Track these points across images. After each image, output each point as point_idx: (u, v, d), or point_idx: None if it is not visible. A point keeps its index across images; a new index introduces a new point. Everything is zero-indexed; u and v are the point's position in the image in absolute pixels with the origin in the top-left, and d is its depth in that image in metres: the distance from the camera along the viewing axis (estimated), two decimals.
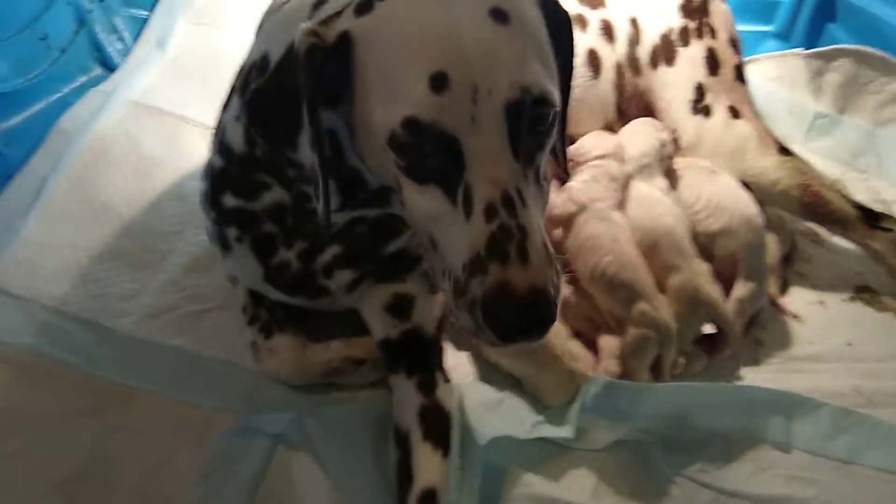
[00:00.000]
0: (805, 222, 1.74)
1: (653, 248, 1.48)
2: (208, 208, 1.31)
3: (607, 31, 1.68)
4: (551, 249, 0.93)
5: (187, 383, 1.37)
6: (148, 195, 1.68)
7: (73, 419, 1.30)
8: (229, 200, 1.25)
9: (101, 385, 1.35)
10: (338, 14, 0.97)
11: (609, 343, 1.41)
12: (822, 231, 1.74)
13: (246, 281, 1.39)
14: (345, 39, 0.95)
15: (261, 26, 1.28)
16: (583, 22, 1.66)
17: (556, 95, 0.95)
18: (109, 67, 2.00)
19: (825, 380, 1.50)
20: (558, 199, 1.54)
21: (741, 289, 1.51)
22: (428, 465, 1.21)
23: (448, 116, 0.89)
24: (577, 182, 1.56)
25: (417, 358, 1.30)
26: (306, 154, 0.99)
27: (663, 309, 1.41)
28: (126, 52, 2.03)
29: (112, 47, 2.02)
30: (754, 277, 1.52)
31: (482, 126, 0.89)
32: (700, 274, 1.47)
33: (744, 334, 1.51)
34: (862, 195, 1.78)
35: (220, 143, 1.25)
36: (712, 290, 1.46)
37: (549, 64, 0.97)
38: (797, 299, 1.65)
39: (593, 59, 1.65)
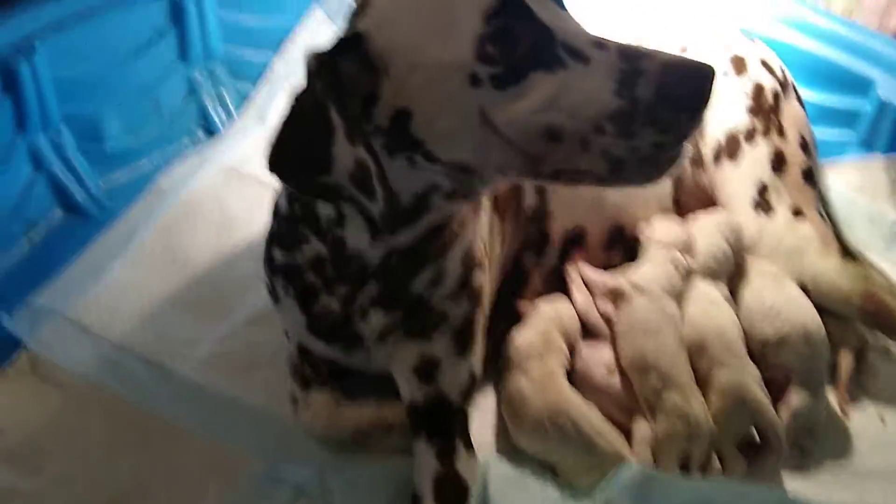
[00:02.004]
0: (877, 334, 1.67)
1: (701, 346, 1.46)
2: (264, 264, 1.40)
3: None
4: None
5: (229, 427, 1.44)
6: (225, 252, 1.80)
7: (119, 449, 1.40)
8: (278, 256, 1.33)
9: (150, 420, 1.44)
10: None
11: (642, 429, 1.39)
12: (894, 347, 1.67)
13: (291, 331, 1.45)
14: (356, 37, 1.00)
15: None
16: None
17: None
18: (212, 133, 2.16)
19: (875, 496, 1.42)
20: (617, 274, 1.57)
21: (794, 399, 1.46)
22: None
23: None
24: (640, 263, 1.59)
25: (439, 425, 1.32)
26: (344, 160, 0.98)
27: (696, 404, 1.39)
28: (229, 121, 2.19)
29: (217, 115, 2.18)
30: (809, 389, 1.47)
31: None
32: (749, 374, 1.45)
33: (791, 445, 1.46)
34: None
35: (274, 207, 1.35)
36: (759, 392, 1.43)
37: None
38: (856, 413, 1.57)
39: None
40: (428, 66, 0.97)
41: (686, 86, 0.92)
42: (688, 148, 0.97)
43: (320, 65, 0.98)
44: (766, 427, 1.41)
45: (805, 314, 1.53)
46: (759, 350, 1.51)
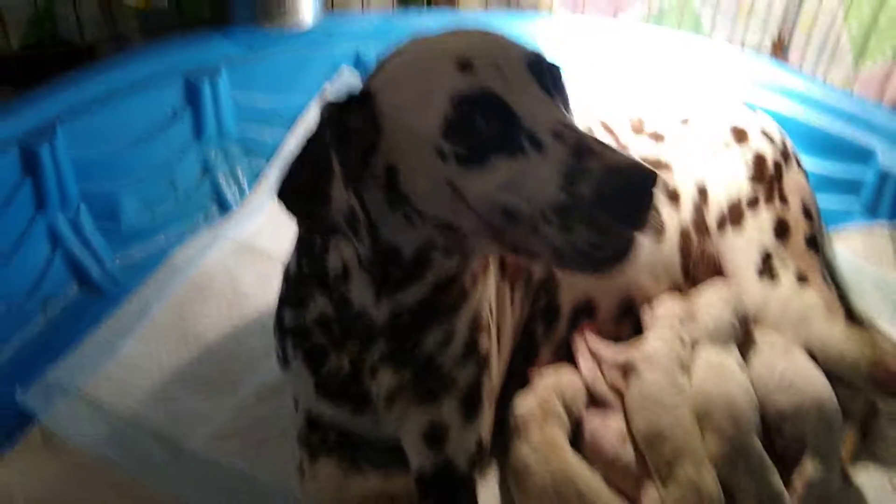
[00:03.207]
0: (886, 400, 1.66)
1: (705, 414, 1.46)
2: (274, 330, 1.43)
3: (672, 195, 1.74)
4: None
5: (239, 502, 1.44)
6: (236, 327, 1.82)
7: None
8: (287, 317, 1.37)
9: (160, 497, 1.44)
10: None
11: (652, 498, 1.38)
12: None
13: (300, 395, 1.48)
14: (365, 94, 1.10)
15: None
16: None
17: None
18: (226, 209, 2.21)
19: None
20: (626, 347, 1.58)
21: (808, 469, 1.45)
22: None
23: (485, 82, 1.03)
24: (648, 338, 1.59)
25: (447, 495, 1.31)
26: (340, 201, 1.07)
27: (708, 476, 1.38)
28: (241, 196, 2.24)
29: (230, 192, 2.24)
30: (823, 459, 1.46)
31: (515, 84, 1.04)
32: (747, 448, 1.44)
33: None
34: None
35: (284, 272, 1.39)
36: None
37: None
38: (866, 480, 1.55)
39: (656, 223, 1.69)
40: (407, 131, 1.06)
41: (624, 193, 0.94)
42: (634, 250, 0.99)
43: (331, 114, 1.08)
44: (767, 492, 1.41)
45: (817, 383, 1.53)
46: (774, 422, 1.51)
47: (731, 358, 1.56)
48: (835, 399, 1.51)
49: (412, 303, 1.25)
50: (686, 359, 1.56)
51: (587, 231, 0.96)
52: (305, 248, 1.33)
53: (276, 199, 1.12)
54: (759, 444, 1.44)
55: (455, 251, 1.19)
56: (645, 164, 0.96)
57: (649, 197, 0.95)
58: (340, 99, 1.11)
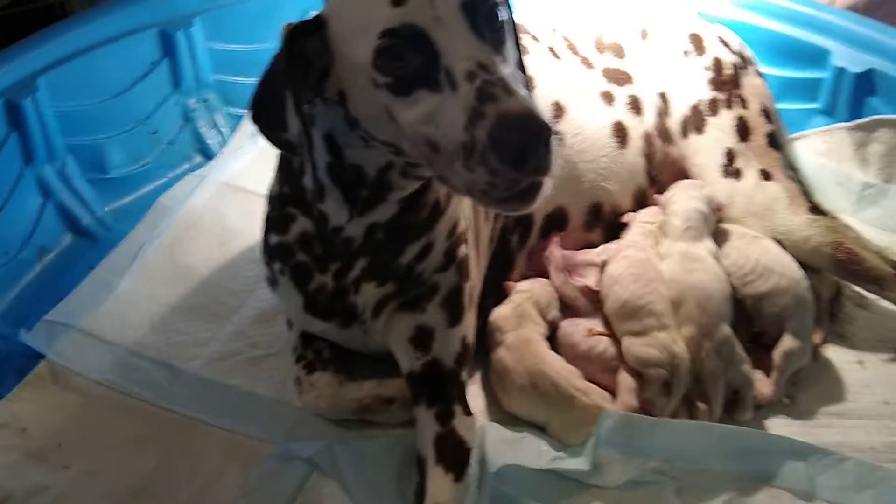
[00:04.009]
0: (851, 285, 1.75)
1: (678, 302, 1.54)
2: (262, 252, 1.50)
3: (635, 105, 1.80)
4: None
5: (241, 416, 1.53)
6: (227, 260, 1.89)
7: (140, 442, 1.49)
8: (272, 238, 1.45)
9: (168, 416, 1.53)
10: None
11: (627, 380, 1.47)
12: (869, 296, 1.75)
13: (291, 314, 1.56)
14: (319, 20, 1.15)
15: None
16: (609, 98, 1.78)
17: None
18: (208, 156, 2.26)
19: (857, 435, 1.51)
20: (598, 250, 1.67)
21: (787, 342, 1.56)
22: (437, 486, 1.31)
23: (414, 17, 1.06)
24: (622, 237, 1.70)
25: (437, 390, 1.40)
26: (293, 124, 1.14)
27: (681, 344, 1.48)
28: (224, 143, 2.29)
29: (212, 140, 2.29)
30: (800, 335, 1.56)
31: (445, 21, 1.06)
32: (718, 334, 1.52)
33: (777, 392, 1.55)
34: None
35: (268, 195, 1.46)
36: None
37: None
38: (835, 359, 1.66)
39: (619, 131, 1.76)
40: (349, 59, 1.13)
41: (514, 141, 0.99)
42: (537, 195, 1.04)
43: (287, 38, 1.14)
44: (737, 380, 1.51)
45: (790, 266, 1.62)
46: (752, 305, 1.60)
47: (704, 249, 1.64)
48: (806, 280, 1.60)
49: (383, 221, 1.33)
50: (660, 251, 1.65)
51: (485, 172, 1.00)
52: (285, 169, 1.40)
53: (257, 142, 1.18)
54: (730, 332, 1.52)
55: (413, 174, 1.26)
56: (540, 115, 1.00)
57: (542, 147, 0.99)
58: (299, 24, 1.16)
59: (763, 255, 1.63)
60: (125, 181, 2.15)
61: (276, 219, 1.44)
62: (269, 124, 1.19)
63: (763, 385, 1.54)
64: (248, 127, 2.29)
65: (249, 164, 2.15)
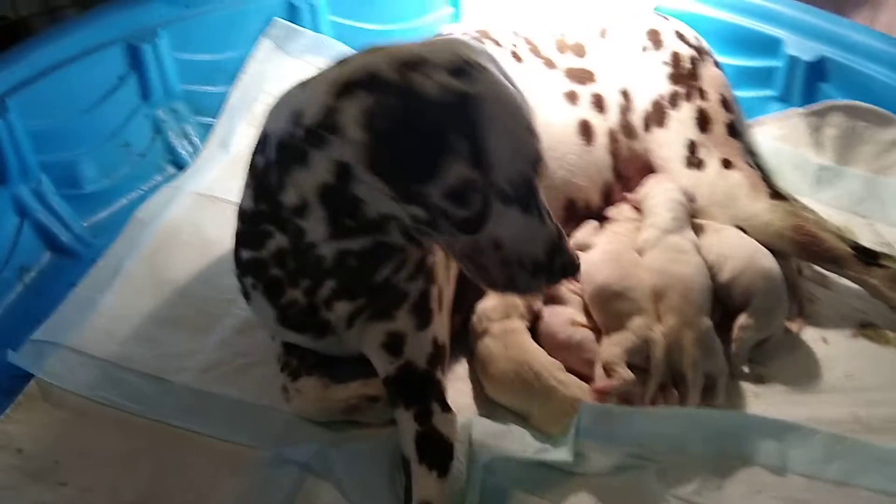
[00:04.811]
0: (812, 266, 1.83)
1: (662, 292, 1.61)
2: (234, 266, 1.52)
3: (598, 103, 1.86)
4: None
5: (231, 425, 1.56)
6: (207, 271, 1.92)
7: (134, 457, 1.51)
8: (244, 254, 1.46)
9: (159, 428, 1.56)
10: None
11: (601, 373, 1.54)
12: (829, 275, 1.83)
13: (265, 325, 1.59)
14: (469, 97, 1.17)
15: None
16: (574, 97, 1.85)
17: None
18: (180, 167, 2.28)
19: (824, 409, 1.58)
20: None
21: (742, 318, 1.63)
22: (423, 484, 1.35)
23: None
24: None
25: (413, 391, 1.45)
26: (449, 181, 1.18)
27: (658, 331, 1.55)
28: (195, 153, 2.31)
29: (183, 150, 2.31)
30: (760, 311, 1.63)
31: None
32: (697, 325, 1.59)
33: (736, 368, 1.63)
34: (868, 239, 1.88)
35: (238, 211, 1.47)
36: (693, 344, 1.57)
37: None
38: (801, 337, 1.73)
39: (585, 129, 1.83)
40: (509, 151, 1.22)
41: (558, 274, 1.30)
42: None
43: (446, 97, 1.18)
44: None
45: (747, 247, 1.70)
46: (724, 292, 1.67)
47: (688, 240, 1.71)
48: (770, 256, 1.68)
49: (357, 249, 1.34)
50: (639, 242, 1.72)
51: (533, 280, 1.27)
52: (260, 186, 1.38)
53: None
54: (710, 323, 1.60)
55: (413, 236, 1.29)
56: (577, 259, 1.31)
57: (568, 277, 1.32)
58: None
59: (718, 245, 1.71)
60: (100, 195, 2.16)
61: (250, 234, 1.44)
62: (410, 172, 1.20)
63: None
64: (217, 137, 2.32)
65: (222, 173, 2.17)
